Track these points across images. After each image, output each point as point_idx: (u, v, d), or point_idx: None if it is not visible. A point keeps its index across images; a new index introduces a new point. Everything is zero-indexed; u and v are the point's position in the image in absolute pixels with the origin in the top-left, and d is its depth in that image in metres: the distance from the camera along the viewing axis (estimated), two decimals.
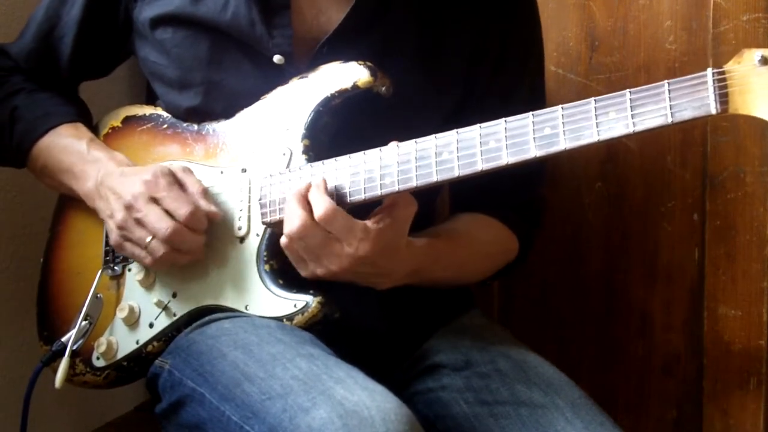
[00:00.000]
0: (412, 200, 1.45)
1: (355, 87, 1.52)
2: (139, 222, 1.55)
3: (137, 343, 1.63)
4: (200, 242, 1.55)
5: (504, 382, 1.57)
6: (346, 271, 1.45)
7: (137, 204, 1.54)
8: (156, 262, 1.55)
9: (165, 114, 1.71)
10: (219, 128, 1.64)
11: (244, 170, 1.59)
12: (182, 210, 1.53)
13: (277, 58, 1.59)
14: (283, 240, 1.47)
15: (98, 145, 1.69)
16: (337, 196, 1.46)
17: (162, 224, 1.52)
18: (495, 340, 1.66)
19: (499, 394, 1.56)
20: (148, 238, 1.54)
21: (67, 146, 1.69)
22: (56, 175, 1.71)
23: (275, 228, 1.54)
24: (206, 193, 1.57)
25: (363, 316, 1.61)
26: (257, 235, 1.56)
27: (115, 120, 1.76)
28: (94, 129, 1.77)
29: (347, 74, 1.53)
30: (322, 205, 1.42)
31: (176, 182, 1.56)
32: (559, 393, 1.55)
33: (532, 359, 1.63)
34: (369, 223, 1.43)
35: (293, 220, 1.44)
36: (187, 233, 1.53)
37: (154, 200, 1.54)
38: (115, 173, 1.61)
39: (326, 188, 1.45)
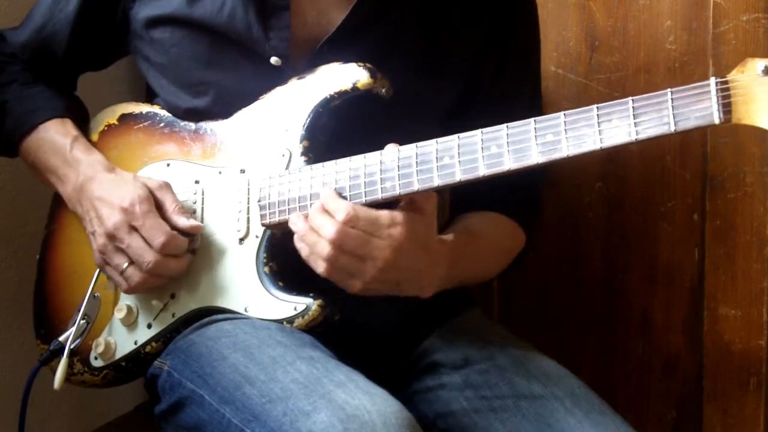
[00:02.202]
0: (430, 194, 1.44)
1: (354, 88, 1.52)
2: (120, 250, 1.56)
3: (135, 343, 1.63)
4: (182, 266, 1.56)
5: (503, 376, 1.57)
6: (391, 265, 1.42)
7: (119, 234, 1.55)
8: (132, 288, 1.57)
9: (162, 112, 1.70)
10: (217, 128, 1.63)
11: (242, 171, 1.58)
12: (157, 240, 1.53)
13: (274, 60, 1.58)
14: (327, 255, 1.43)
15: (81, 144, 1.69)
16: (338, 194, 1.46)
17: (146, 257, 1.53)
18: (493, 337, 1.66)
19: (498, 388, 1.56)
20: (124, 265, 1.55)
21: (53, 145, 1.69)
22: (44, 174, 1.72)
23: (275, 230, 1.54)
24: (183, 210, 1.58)
25: (362, 316, 1.59)
26: (256, 236, 1.56)
27: (112, 117, 1.75)
28: (90, 126, 1.77)
29: (347, 75, 1.53)
30: (342, 208, 1.41)
31: (154, 206, 1.57)
32: (558, 384, 1.55)
33: (530, 353, 1.63)
34: (393, 211, 1.42)
35: (328, 228, 1.42)
36: (168, 261, 1.54)
37: (134, 228, 1.55)
38: (94, 180, 1.62)
39: (338, 195, 1.45)
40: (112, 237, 1.56)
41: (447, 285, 1.56)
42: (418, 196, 1.44)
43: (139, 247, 1.54)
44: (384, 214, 1.42)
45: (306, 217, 1.47)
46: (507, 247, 1.73)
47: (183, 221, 1.56)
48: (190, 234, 1.57)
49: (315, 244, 1.44)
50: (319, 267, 1.44)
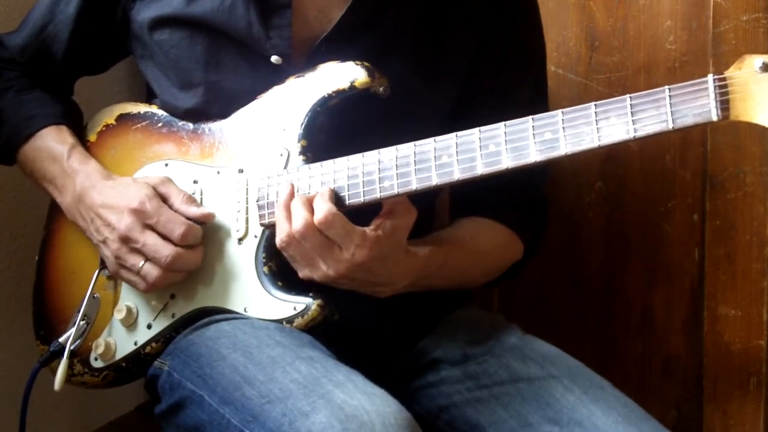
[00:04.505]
0: (410, 209, 1.45)
1: (352, 87, 1.52)
2: (136, 251, 1.55)
3: (135, 344, 1.63)
4: (199, 258, 1.56)
5: (501, 363, 1.58)
6: (342, 277, 1.45)
7: (133, 235, 1.55)
8: (150, 286, 1.56)
9: (160, 112, 1.70)
10: (215, 128, 1.63)
11: (241, 171, 1.58)
12: (177, 231, 1.53)
13: (274, 59, 1.58)
14: (283, 240, 1.46)
15: (78, 153, 1.68)
16: (335, 198, 1.46)
17: (163, 251, 1.53)
18: (489, 329, 1.67)
19: (497, 375, 1.57)
20: (141, 263, 1.55)
21: (50, 153, 1.69)
22: (41, 183, 1.72)
23: (274, 230, 1.53)
24: (192, 199, 1.58)
25: (360, 316, 1.60)
26: (255, 236, 1.55)
27: (109, 117, 1.75)
28: (88, 126, 1.77)
29: (344, 74, 1.52)
30: (323, 210, 1.42)
31: (162, 201, 1.57)
32: (555, 364, 1.57)
33: (526, 337, 1.65)
34: (368, 230, 1.43)
35: (297, 221, 1.44)
36: (186, 254, 1.54)
37: (148, 226, 1.55)
38: (93, 189, 1.62)
39: (331, 196, 1.45)
40: (125, 239, 1.55)
41: (411, 290, 1.56)
42: (398, 210, 1.44)
43: (156, 243, 1.53)
44: (358, 232, 1.43)
45: (294, 194, 1.48)
46: (495, 260, 1.73)
47: (194, 210, 1.56)
48: (202, 222, 1.56)
49: (280, 223, 1.47)
50: (277, 240, 1.48)
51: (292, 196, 1.48)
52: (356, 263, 1.43)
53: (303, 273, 1.48)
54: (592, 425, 1.46)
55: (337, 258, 1.43)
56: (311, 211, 1.44)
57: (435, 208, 1.81)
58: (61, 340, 1.65)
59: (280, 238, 1.46)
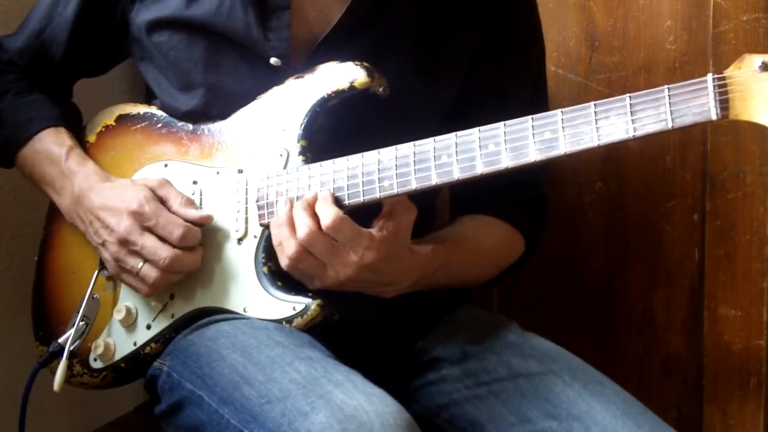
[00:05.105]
0: (410, 206, 1.45)
1: (351, 87, 1.51)
2: (135, 253, 1.55)
3: (135, 344, 1.63)
4: (198, 260, 1.56)
5: (500, 360, 1.58)
6: (351, 280, 1.45)
7: (131, 237, 1.55)
8: (151, 286, 1.56)
9: (159, 113, 1.70)
10: (214, 128, 1.63)
11: (240, 171, 1.58)
12: (175, 233, 1.53)
13: (273, 60, 1.58)
14: (292, 256, 1.46)
15: (76, 155, 1.68)
16: (335, 199, 1.46)
17: (161, 253, 1.53)
18: (489, 327, 1.67)
19: (497, 372, 1.57)
20: (140, 265, 1.55)
21: (48, 156, 1.69)
22: (40, 186, 1.72)
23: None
24: (190, 202, 1.58)
25: (360, 316, 1.60)
26: (255, 236, 1.55)
27: (109, 118, 1.75)
28: (87, 127, 1.77)
29: (344, 74, 1.52)
30: (329, 214, 1.42)
31: (161, 203, 1.57)
32: (555, 360, 1.57)
33: (526, 335, 1.65)
34: (374, 231, 1.43)
35: (301, 228, 1.44)
36: (185, 256, 1.54)
37: (147, 229, 1.55)
38: (92, 191, 1.62)
39: (333, 199, 1.45)
40: (124, 242, 1.55)
41: (415, 289, 1.57)
42: (399, 208, 1.44)
43: (154, 245, 1.53)
44: (365, 234, 1.43)
45: (292, 205, 1.48)
46: (497, 258, 1.73)
47: (192, 213, 1.57)
48: (200, 225, 1.57)
49: (286, 239, 1.46)
50: (282, 261, 1.48)
51: (291, 210, 1.48)
52: (365, 265, 1.43)
53: (314, 284, 1.49)
54: (590, 419, 1.46)
55: (346, 261, 1.44)
56: (314, 216, 1.44)
57: (435, 207, 1.81)
58: (60, 340, 1.65)
59: (288, 256, 1.46)
